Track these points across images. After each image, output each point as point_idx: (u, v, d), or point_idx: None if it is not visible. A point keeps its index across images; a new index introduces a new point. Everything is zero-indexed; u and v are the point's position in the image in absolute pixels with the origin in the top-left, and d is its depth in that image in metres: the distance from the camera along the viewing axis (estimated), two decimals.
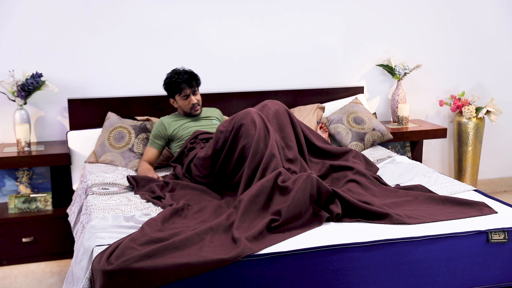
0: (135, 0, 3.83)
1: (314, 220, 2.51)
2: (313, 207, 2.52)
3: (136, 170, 3.44)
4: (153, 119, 3.76)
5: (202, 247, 2.23)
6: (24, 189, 3.63)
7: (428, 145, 4.61)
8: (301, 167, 2.94)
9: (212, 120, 3.53)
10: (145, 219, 2.54)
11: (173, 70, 3.45)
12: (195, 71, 3.50)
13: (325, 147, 3.25)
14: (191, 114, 3.46)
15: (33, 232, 3.47)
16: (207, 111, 3.58)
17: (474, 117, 4.37)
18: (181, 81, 3.36)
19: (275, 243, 2.30)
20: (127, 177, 3.10)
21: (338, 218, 2.55)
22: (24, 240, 3.45)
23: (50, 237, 3.49)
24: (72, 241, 3.47)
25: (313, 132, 3.34)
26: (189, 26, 3.93)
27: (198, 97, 3.44)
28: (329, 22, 4.23)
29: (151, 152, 3.42)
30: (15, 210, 3.52)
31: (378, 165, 3.45)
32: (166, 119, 3.47)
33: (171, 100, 3.48)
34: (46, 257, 3.50)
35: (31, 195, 3.55)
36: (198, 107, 3.45)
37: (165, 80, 3.45)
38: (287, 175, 2.65)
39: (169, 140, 3.44)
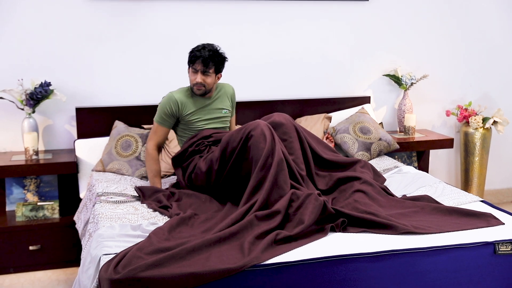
0: (143, 9, 3.86)
1: (319, 232, 2.53)
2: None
3: (142, 176, 3.45)
4: None
5: (209, 257, 2.24)
6: (31, 197, 3.65)
7: (435, 155, 4.60)
8: (307, 184, 2.93)
9: (222, 110, 3.40)
10: (152, 228, 2.54)
11: (207, 43, 3.26)
12: None
13: (333, 158, 3.19)
14: (195, 92, 3.28)
15: (40, 240, 3.48)
16: (217, 99, 3.39)
17: (481, 127, 4.36)
18: (199, 55, 3.19)
19: (282, 253, 2.30)
20: (135, 188, 3.11)
21: (343, 227, 2.56)
22: (31, 248, 3.46)
23: (57, 245, 3.51)
24: (79, 249, 3.48)
25: (320, 142, 3.30)
26: (196, 34, 3.95)
27: (208, 80, 3.22)
28: (336, 32, 4.24)
29: (162, 131, 3.28)
30: (23, 218, 3.54)
31: (384, 175, 3.45)
32: (178, 96, 3.28)
33: (188, 70, 3.31)
34: (53, 265, 3.52)
35: (38, 203, 3.57)
36: (202, 88, 3.23)
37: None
38: (295, 196, 2.67)
39: (178, 118, 3.32)
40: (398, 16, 4.36)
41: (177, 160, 3.25)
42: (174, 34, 3.93)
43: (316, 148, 3.17)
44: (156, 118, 3.30)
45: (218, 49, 3.25)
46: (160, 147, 3.33)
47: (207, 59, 3.18)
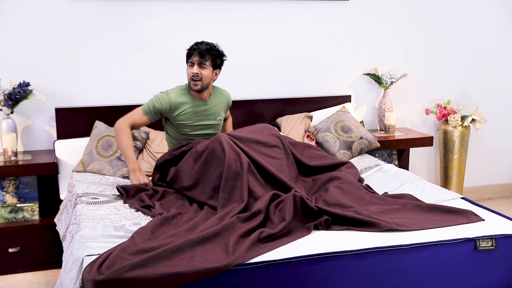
0: (123, 9, 3.83)
1: (302, 229, 2.54)
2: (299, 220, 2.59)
3: (123, 176, 3.44)
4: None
5: (193, 256, 2.23)
6: (10, 199, 3.60)
7: (415, 153, 4.65)
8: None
9: (217, 117, 3.40)
10: (135, 228, 2.53)
11: (205, 40, 3.29)
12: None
13: (317, 164, 3.25)
14: (192, 88, 3.27)
15: (20, 242, 3.44)
16: (214, 106, 3.40)
17: (459, 125, 4.42)
18: (196, 47, 3.21)
19: (266, 252, 2.31)
20: (117, 187, 3.09)
21: (327, 225, 2.58)
22: (10, 250, 3.42)
23: (37, 247, 3.47)
24: (59, 251, 3.45)
25: (305, 147, 3.37)
26: (176, 34, 3.93)
27: (204, 72, 3.21)
28: (316, 31, 4.26)
29: (142, 119, 3.26)
30: (2, 220, 3.49)
31: (366, 173, 3.50)
32: (174, 96, 3.27)
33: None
34: (33, 267, 3.47)
35: (18, 205, 3.52)
36: (198, 82, 3.22)
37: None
38: (276, 195, 2.77)
39: (166, 118, 3.32)
40: (378, 16, 4.39)
41: (163, 165, 3.26)
42: (154, 34, 3.91)
43: (300, 157, 3.24)
44: (143, 106, 3.28)
45: (216, 45, 3.28)
46: (132, 129, 3.30)
47: (203, 51, 3.20)
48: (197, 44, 3.24)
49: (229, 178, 2.82)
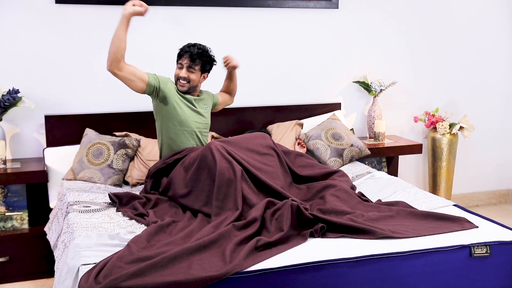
0: (112, 15, 3.80)
1: (298, 237, 2.54)
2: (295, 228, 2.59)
3: (114, 184, 3.42)
4: (132, 134, 3.73)
5: (190, 265, 2.22)
6: None
7: (403, 160, 4.67)
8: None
9: (204, 105, 3.40)
10: (130, 236, 2.50)
11: (199, 43, 3.29)
12: None
13: (309, 174, 3.26)
14: (179, 88, 3.28)
15: (8, 252, 3.39)
16: (202, 100, 3.41)
17: (448, 133, 4.46)
18: (187, 50, 3.22)
19: (263, 260, 2.30)
20: (109, 194, 3.06)
21: (322, 233, 2.58)
22: None
23: (27, 257, 3.42)
24: (49, 260, 3.42)
25: (297, 156, 3.37)
26: (167, 41, 3.92)
27: (192, 76, 3.26)
28: (306, 39, 4.28)
29: (142, 74, 3.18)
30: None
31: (357, 181, 3.51)
32: (172, 84, 3.28)
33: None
34: (22, 277, 3.43)
35: (7, 214, 3.47)
36: (186, 84, 3.26)
37: None
38: (271, 203, 2.75)
39: (156, 95, 3.24)
40: (367, 24, 4.42)
41: (156, 173, 3.23)
42: (145, 41, 3.89)
43: (292, 166, 3.25)
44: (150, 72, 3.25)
45: (208, 49, 3.30)
46: (123, 68, 3.14)
47: (194, 55, 3.22)
48: (189, 46, 3.24)
49: (221, 186, 2.80)
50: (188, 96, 3.33)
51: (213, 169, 2.87)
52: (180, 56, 3.27)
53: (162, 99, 3.25)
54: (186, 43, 3.30)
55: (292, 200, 2.68)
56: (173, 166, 3.17)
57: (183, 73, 3.24)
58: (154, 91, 3.24)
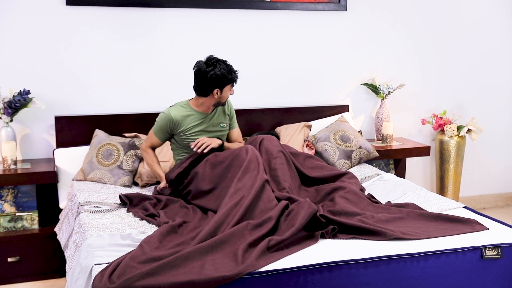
0: (125, 18, 3.82)
1: (309, 238, 2.55)
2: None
3: (124, 185, 3.44)
4: (142, 135, 3.74)
5: (203, 265, 2.23)
6: (8, 208, 3.56)
7: (411, 162, 4.68)
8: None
9: (220, 124, 3.40)
10: (142, 237, 2.51)
11: (221, 62, 3.23)
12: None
13: (319, 175, 3.27)
14: (222, 104, 3.32)
15: (19, 252, 3.40)
16: (217, 114, 3.39)
17: (455, 135, 4.46)
18: (235, 76, 3.25)
19: (275, 260, 2.31)
20: (120, 196, 3.07)
21: (333, 234, 2.58)
22: (9, 259, 3.38)
23: (37, 257, 3.43)
24: (59, 260, 3.43)
25: (306, 157, 3.39)
26: (176, 43, 3.94)
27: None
28: (315, 41, 4.29)
29: (156, 141, 3.34)
30: (1, 229, 3.46)
31: (366, 183, 3.53)
32: (175, 113, 3.26)
33: (216, 91, 3.22)
34: (32, 277, 3.44)
35: (17, 214, 3.49)
36: None
37: (215, 73, 3.17)
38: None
39: (173, 134, 3.33)
40: (375, 27, 4.43)
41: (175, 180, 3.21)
42: (155, 43, 3.91)
43: (301, 168, 3.28)
44: (153, 128, 3.33)
45: (225, 63, 3.30)
46: (154, 149, 3.38)
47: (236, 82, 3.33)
48: (235, 72, 3.26)
49: (247, 168, 2.85)
50: (205, 120, 3.34)
51: (243, 161, 2.93)
52: (230, 80, 3.24)
53: (179, 136, 3.33)
54: (222, 70, 3.20)
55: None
56: (191, 167, 3.17)
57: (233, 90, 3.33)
58: (171, 137, 3.35)
